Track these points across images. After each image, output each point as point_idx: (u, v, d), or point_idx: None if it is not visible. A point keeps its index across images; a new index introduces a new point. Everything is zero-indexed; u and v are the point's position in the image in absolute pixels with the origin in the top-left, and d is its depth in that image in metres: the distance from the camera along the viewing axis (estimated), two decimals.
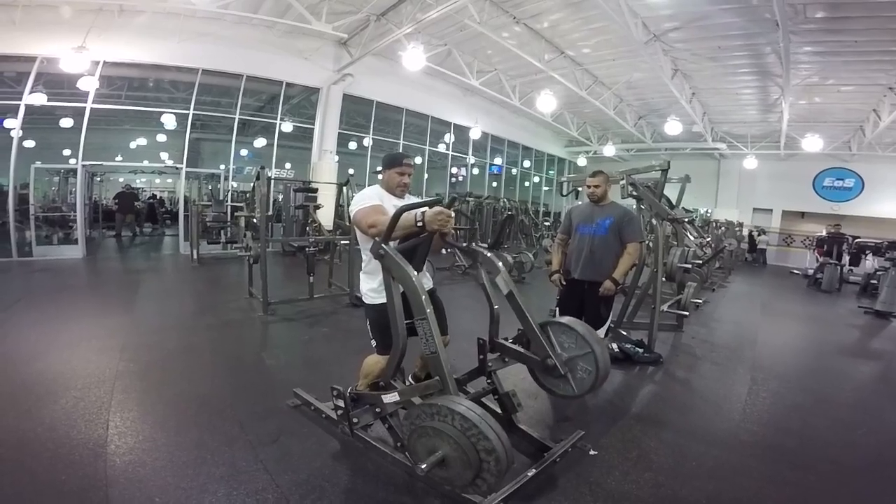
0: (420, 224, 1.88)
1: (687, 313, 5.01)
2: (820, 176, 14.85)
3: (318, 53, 9.54)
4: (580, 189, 5.86)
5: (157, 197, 15.83)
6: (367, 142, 11.52)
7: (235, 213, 8.65)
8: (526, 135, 15.54)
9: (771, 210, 16.03)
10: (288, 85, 9.84)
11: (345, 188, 6.47)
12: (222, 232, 9.60)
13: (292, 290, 5.59)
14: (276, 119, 9.96)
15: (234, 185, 10.17)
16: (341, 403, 2.08)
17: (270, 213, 8.19)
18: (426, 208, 1.89)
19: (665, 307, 4.95)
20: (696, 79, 9.68)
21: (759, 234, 14.90)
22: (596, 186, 3.38)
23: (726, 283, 9.36)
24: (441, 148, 13.25)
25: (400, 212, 1.88)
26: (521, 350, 2.39)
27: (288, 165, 11.96)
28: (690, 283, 5.62)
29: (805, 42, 6.65)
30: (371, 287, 2.30)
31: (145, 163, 13.11)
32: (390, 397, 1.94)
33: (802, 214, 15.85)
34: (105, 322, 4.26)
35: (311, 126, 10.35)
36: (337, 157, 10.56)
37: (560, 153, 17.57)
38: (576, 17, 7.82)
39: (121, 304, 5.05)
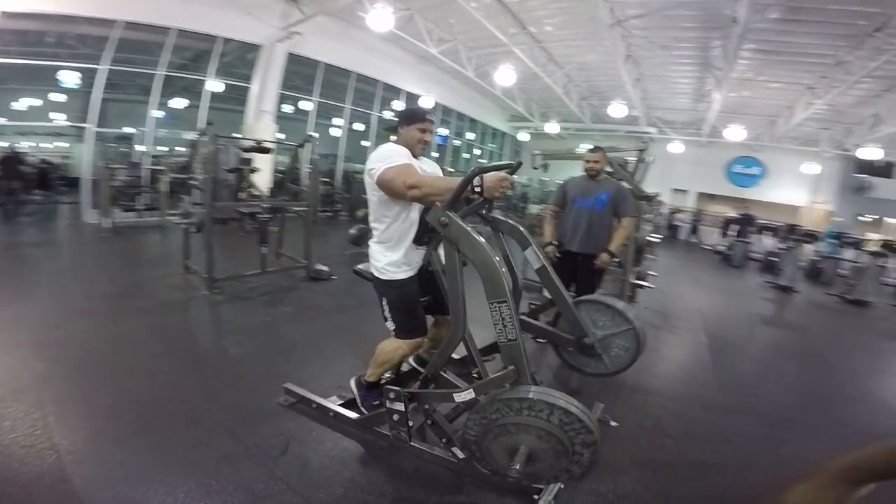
0: (478, 189, 1.66)
1: (653, 286, 5.28)
2: (732, 162, 16.44)
3: (263, 9, 8.53)
4: (548, 164, 5.88)
5: (50, 162, 13.45)
6: (310, 105, 10.65)
7: (174, 176, 7.58)
8: (473, 107, 15.35)
9: (687, 191, 17.53)
10: (225, 41, 8.68)
11: (300, 150, 5.91)
12: (138, 198, 8.41)
13: (236, 263, 4.98)
14: (204, 77, 8.78)
15: (145, 148, 8.90)
16: (399, 406, 1.77)
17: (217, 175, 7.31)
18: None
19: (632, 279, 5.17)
20: (644, 65, 10.00)
21: (673, 213, 16.27)
22: (595, 162, 3.42)
23: (654, 258, 10.12)
24: (388, 115, 12.63)
25: (477, 172, 1.63)
26: (551, 329, 2.26)
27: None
28: (648, 255, 5.96)
29: (754, 40, 7.06)
30: (390, 260, 2.03)
31: (51, 122, 10.99)
32: (465, 394, 1.66)
33: (713, 196, 17.56)
34: (3, 312, 3.32)
35: (245, 85, 9.32)
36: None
37: (503, 127, 17.65)
38: None
39: (21, 286, 4.02)
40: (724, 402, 3.13)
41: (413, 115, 2.06)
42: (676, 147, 15.52)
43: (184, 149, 12.11)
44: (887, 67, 6.85)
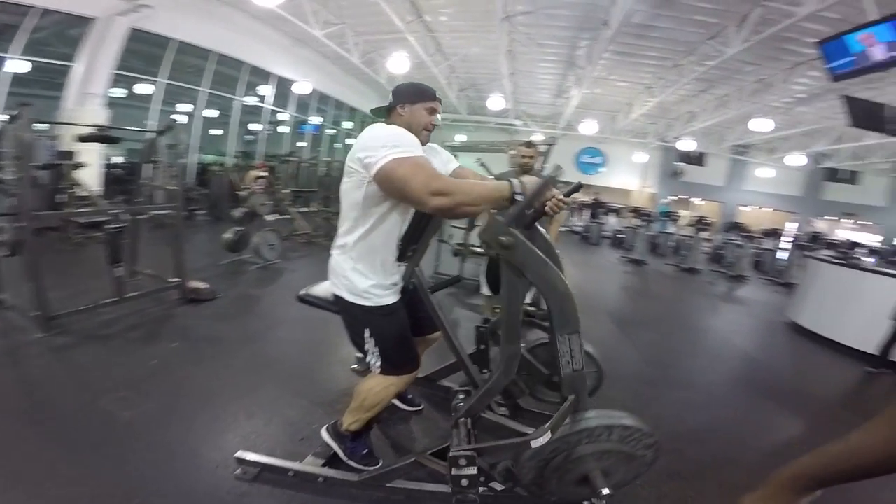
0: (520, 196, 1.38)
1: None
2: (580, 152, 18.67)
3: None
4: (457, 155, 5.82)
5: None
6: (154, 87, 8.86)
7: None
8: (354, 95, 14.58)
9: None
10: (46, 12, 6.79)
11: (157, 139, 4.71)
12: None
13: (74, 290, 3.74)
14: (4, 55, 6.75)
15: None
16: (472, 471, 1.42)
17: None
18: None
19: None
20: (520, 61, 10.53)
21: None
22: (530, 157, 3.43)
23: None
24: (253, 101, 11.21)
25: (551, 182, 1.35)
26: (529, 358, 2.12)
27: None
28: None
29: (616, 42, 7.85)
30: (377, 282, 1.60)
31: None
32: (543, 438, 1.38)
33: (566, 183, 19.74)
34: None
35: (62, 64, 7.43)
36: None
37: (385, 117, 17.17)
38: None
39: None
40: (655, 375, 3.49)
41: (420, 93, 1.65)
42: (537, 138, 16.98)
43: None
44: (711, 72, 8.37)
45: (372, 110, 1.83)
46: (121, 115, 9.04)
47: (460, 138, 15.35)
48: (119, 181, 8.87)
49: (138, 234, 4.59)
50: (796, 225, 15.91)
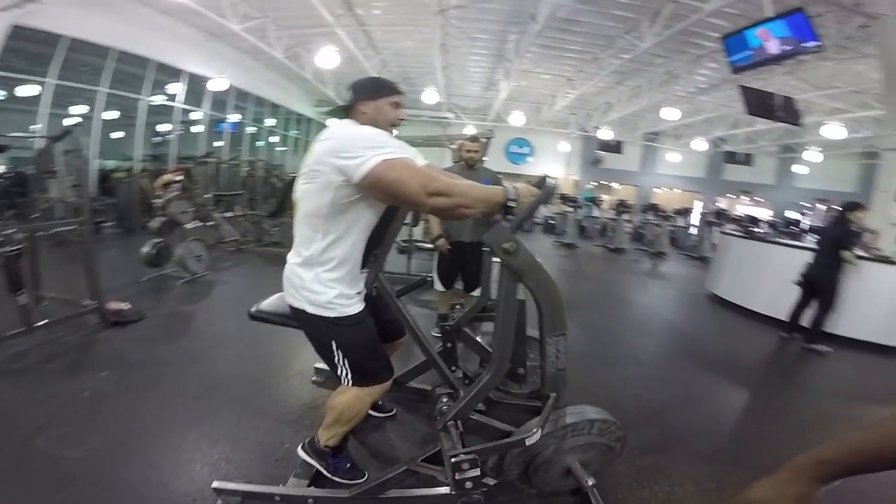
0: (513, 202, 1.37)
1: None
2: (509, 143, 19.21)
3: None
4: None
5: None
6: (41, 89, 7.77)
7: None
8: (275, 91, 13.80)
9: None
10: None
11: (53, 146, 4.07)
12: None
13: None
14: None
15: None
16: (475, 473, 1.40)
17: None
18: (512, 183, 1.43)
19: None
20: (453, 55, 10.56)
21: None
22: (475, 151, 3.43)
23: None
24: (161, 100, 10.21)
25: (551, 192, 1.40)
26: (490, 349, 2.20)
27: None
28: None
29: (542, 36, 8.09)
30: (341, 291, 1.52)
31: None
32: (535, 436, 1.40)
33: (497, 173, 20.33)
34: None
35: None
36: None
37: (309, 113, 16.48)
38: None
39: None
40: (605, 353, 3.73)
41: (382, 87, 1.58)
42: (470, 131, 17.25)
43: None
44: (626, 65, 8.97)
45: (329, 111, 1.76)
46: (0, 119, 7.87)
47: (395, 133, 15.15)
48: (7, 194, 7.73)
49: (37, 253, 4.01)
50: (702, 203, 17.70)
